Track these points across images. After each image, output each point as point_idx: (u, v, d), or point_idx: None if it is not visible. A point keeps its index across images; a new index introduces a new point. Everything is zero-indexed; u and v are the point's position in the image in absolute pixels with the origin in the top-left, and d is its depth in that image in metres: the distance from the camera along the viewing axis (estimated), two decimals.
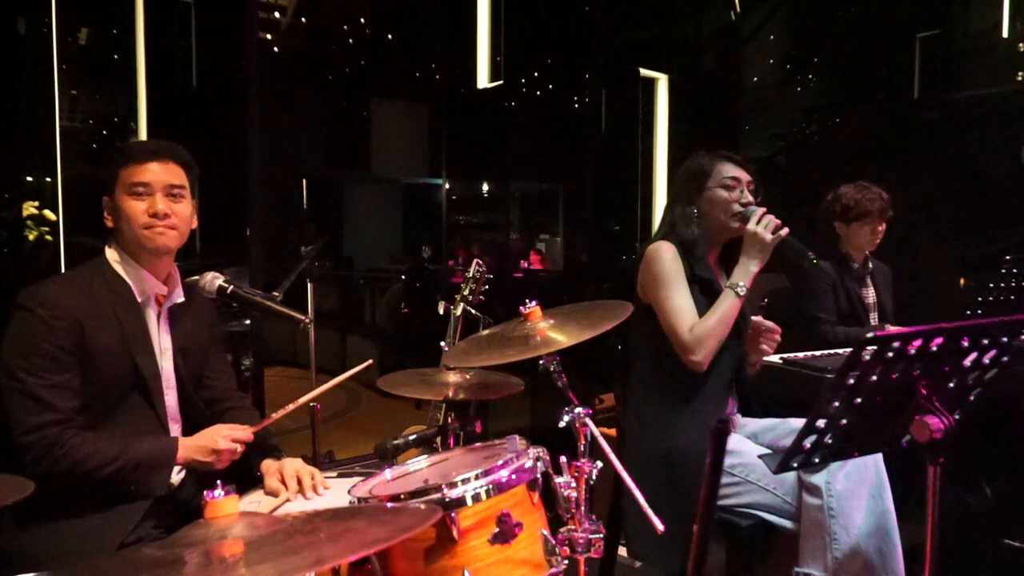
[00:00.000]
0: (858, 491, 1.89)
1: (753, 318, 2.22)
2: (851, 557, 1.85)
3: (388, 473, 1.62)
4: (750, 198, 2.16)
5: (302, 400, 1.82)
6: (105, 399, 1.68)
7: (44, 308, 1.61)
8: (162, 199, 1.70)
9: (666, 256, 2.11)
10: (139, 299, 1.74)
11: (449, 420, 2.21)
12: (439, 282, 6.57)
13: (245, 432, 1.74)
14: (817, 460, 1.44)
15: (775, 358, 2.50)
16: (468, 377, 2.21)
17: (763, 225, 2.06)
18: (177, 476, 1.77)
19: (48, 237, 2.70)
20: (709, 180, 2.18)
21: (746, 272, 2.07)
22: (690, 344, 2.03)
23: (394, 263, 8.65)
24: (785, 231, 2.06)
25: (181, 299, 1.82)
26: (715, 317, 2.04)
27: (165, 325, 1.80)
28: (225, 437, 1.71)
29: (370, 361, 2.02)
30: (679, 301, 2.07)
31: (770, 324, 2.19)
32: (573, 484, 1.58)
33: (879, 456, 1.94)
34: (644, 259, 2.16)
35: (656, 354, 2.12)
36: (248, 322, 3.11)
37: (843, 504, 1.87)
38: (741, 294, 2.05)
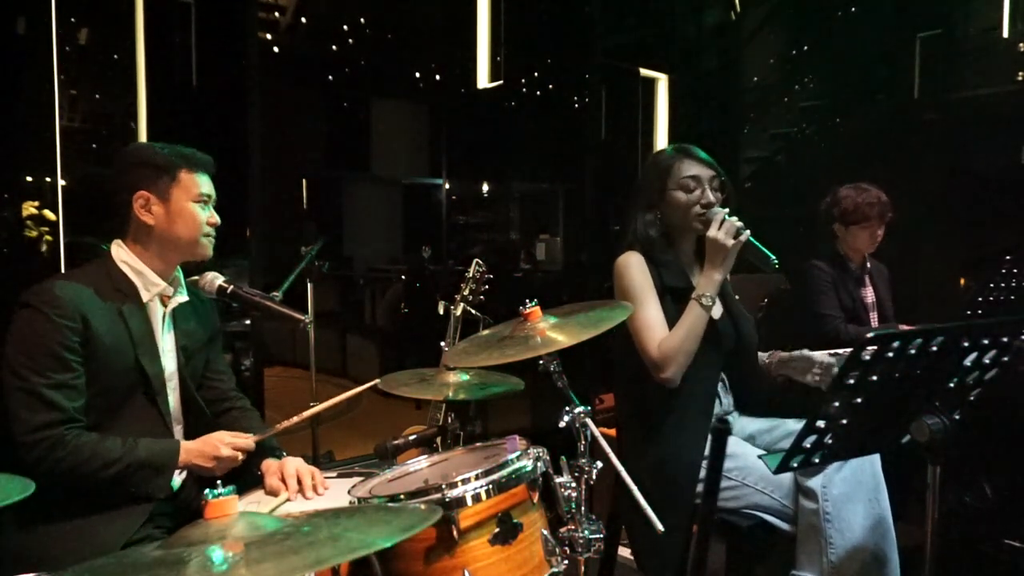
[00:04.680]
0: (855, 494, 1.87)
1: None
2: (847, 560, 1.84)
3: (388, 473, 1.62)
4: (711, 197, 2.05)
5: (307, 414, 1.84)
6: (109, 398, 1.68)
7: (50, 307, 1.61)
8: (214, 212, 1.81)
9: (633, 267, 2.05)
10: (144, 298, 1.75)
11: (449, 420, 2.22)
12: (439, 282, 6.57)
13: (247, 441, 1.75)
14: (817, 460, 1.44)
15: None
16: (468, 377, 2.21)
17: (723, 231, 1.96)
18: (179, 479, 1.78)
19: (48, 237, 2.70)
20: (668, 181, 2.08)
21: (711, 282, 1.98)
22: (658, 361, 1.97)
23: (394, 263, 8.64)
24: (746, 235, 1.96)
25: (185, 299, 1.84)
26: (682, 332, 1.97)
27: (169, 325, 1.81)
28: (228, 445, 1.72)
29: (376, 381, 2.04)
30: (648, 315, 2.00)
31: None
32: (573, 484, 1.58)
33: (876, 459, 1.93)
34: (615, 271, 2.09)
35: (636, 367, 2.05)
36: (248, 322, 3.11)
37: (839, 508, 1.85)
38: (707, 305, 1.97)
